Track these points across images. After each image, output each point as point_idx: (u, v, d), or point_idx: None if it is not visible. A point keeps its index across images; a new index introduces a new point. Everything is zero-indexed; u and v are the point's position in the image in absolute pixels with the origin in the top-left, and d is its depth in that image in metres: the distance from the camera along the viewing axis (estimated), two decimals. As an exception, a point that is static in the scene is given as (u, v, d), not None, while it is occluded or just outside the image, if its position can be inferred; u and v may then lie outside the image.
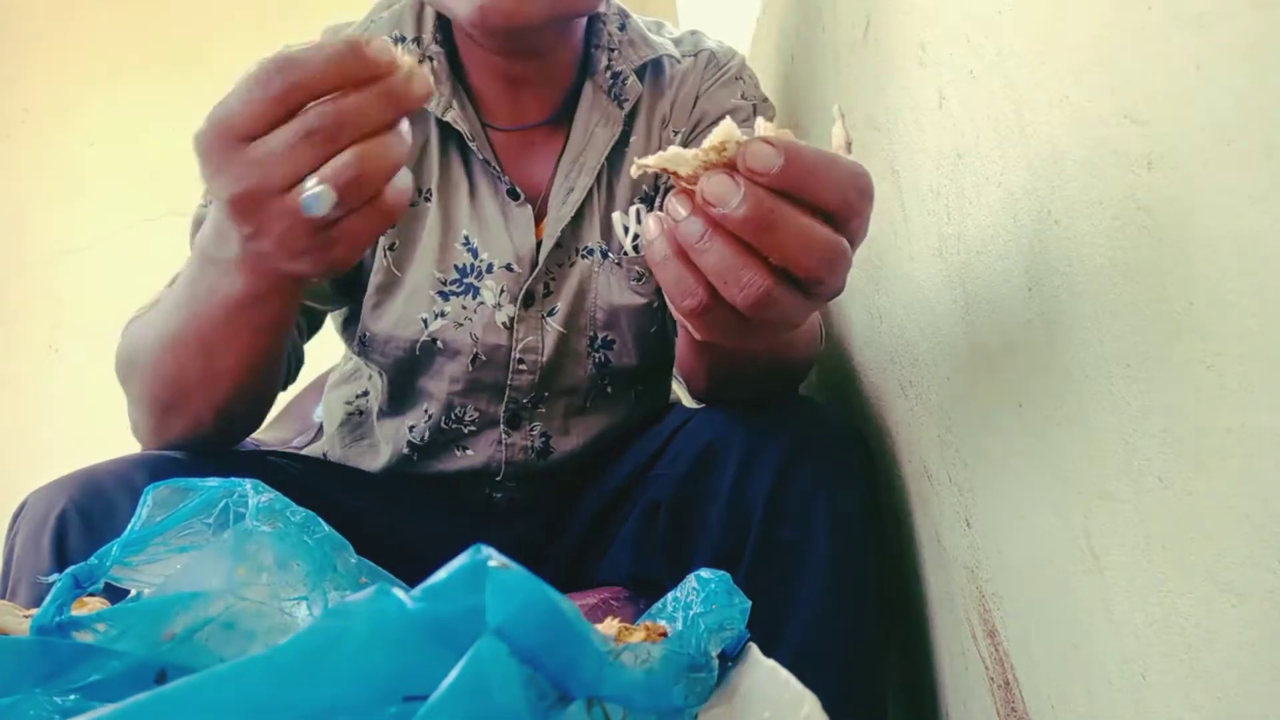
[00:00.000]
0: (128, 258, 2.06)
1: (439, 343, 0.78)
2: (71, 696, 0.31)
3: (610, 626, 0.39)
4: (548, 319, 0.79)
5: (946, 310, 0.58)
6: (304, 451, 0.95)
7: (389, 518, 0.79)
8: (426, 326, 0.78)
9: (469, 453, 0.82)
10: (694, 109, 0.83)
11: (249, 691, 0.20)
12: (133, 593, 0.37)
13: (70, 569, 0.34)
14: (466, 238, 0.79)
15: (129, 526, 0.36)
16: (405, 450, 0.83)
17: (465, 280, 0.78)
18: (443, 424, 0.81)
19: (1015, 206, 0.46)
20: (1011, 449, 0.51)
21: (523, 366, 0.79)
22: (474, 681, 0.19)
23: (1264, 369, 0.30)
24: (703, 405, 0.78)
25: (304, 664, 0.20)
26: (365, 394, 0.88)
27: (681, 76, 0.84)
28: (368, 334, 0.80)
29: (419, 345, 0.78)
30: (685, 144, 0.83)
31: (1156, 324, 0.35)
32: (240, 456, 0.73)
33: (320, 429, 1.00)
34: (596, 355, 0.81)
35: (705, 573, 0.41)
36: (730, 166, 0.37)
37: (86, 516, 0.60)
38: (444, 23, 0.79)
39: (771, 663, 0.36)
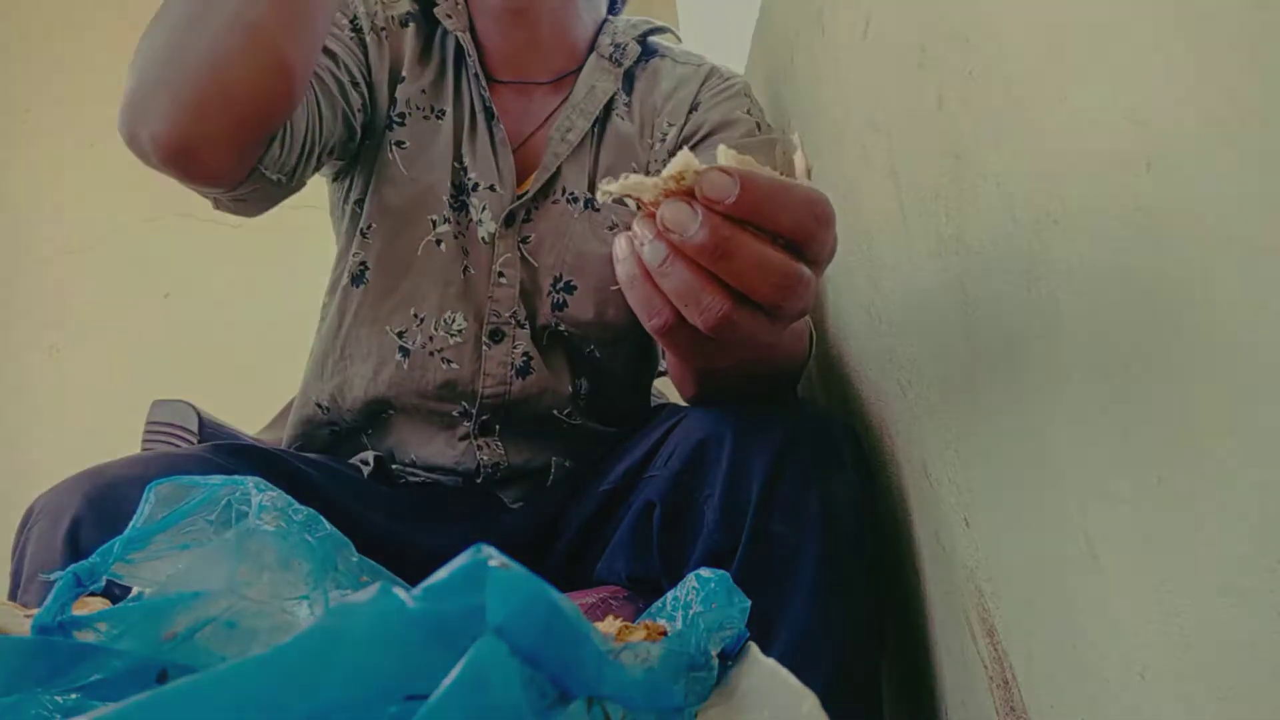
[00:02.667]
0: (128, 258, 2.06)
1: (442, 245, 0.85)
2: (73, 696, 0.31)
3: (611, 625, 0.39)
4: (522, 245, 0.86)
5: (946, 310, 0.58)
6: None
7: (388, 518, 0.79)
8: (434, 228, 0.85)
9: (453, 365, 0.85)
10: (692, 114, 0.90)
11: (249, 691, 0.20)
12: (134, 592, 0.37)
13: (71, 567, 0.34)
14: (464, 159, 0.87)
15: (130, 523, 0.36)
16: (398, 356, 0.85)
17: (460, 197, 0.86)
18: (432, 329, 0.85)
19: (1014, 207, 0.47)
20: (1011, 448, 0.51)
21: (503, 279, 0.85)
22: (474, 680, 0.19)
23: (1264, 369, 0.30)
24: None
25: (304, 663, 0.20)
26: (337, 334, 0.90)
27: (681, 79, 0.92)
28: (372, 227, 0.86)
29: (422, 245, 0.85)
30: (676, 146, 0.90)
31: (1156, 324, 0.35)
32: (247, 452, 0.73)
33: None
34: (555, 296, 0.86)
35: (705, 572, 0.41)
36: (690, 194, 0.38)
37: (101, 514, 0.60)
38: None
39: (771, 661, 0.36)
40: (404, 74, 0.88)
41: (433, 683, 0.20)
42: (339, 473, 0.84)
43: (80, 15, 2.16)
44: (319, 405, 0.90)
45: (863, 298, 0.80)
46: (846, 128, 0.78)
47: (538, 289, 0.86)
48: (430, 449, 0.86)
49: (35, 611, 0.34)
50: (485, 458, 0.86)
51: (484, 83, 0.88)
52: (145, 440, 0.99)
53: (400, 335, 0.85)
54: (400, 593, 0.21)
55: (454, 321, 0.85)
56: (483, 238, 0.85)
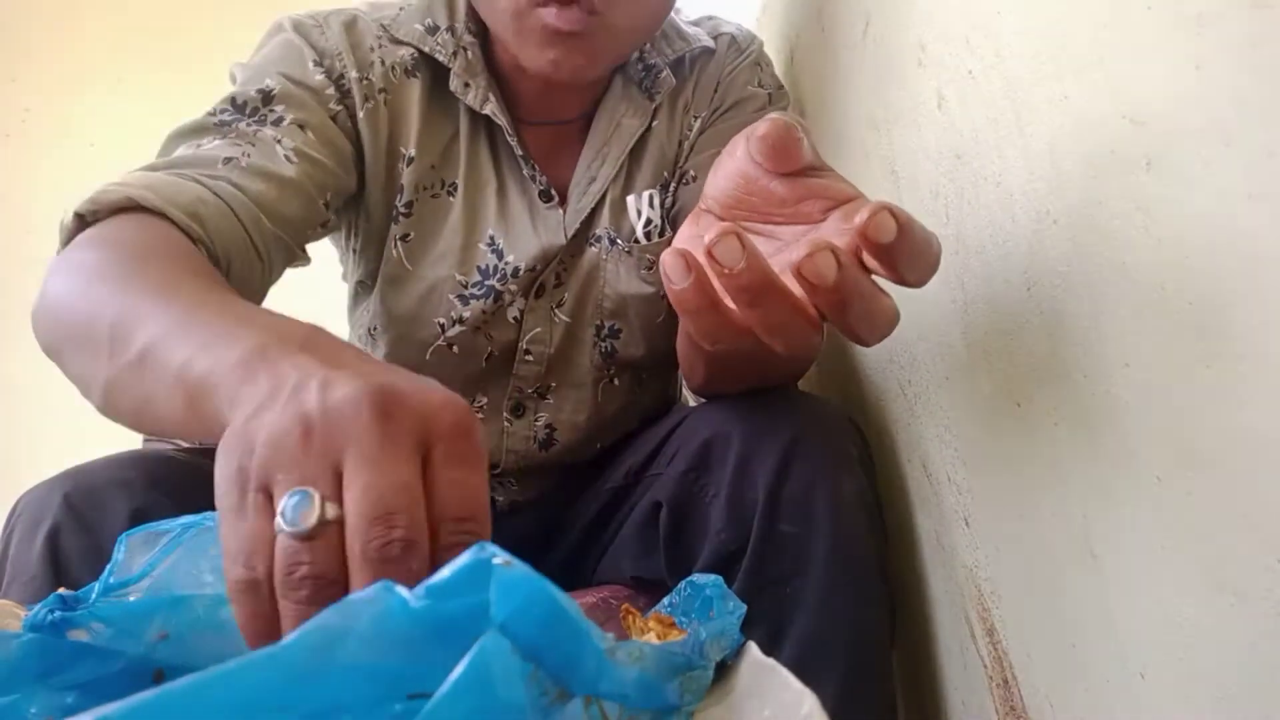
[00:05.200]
0: (127, 257, 2.05)
1: (455, 348, 0.77)
2: (69, 695, 0.31)
3: (625, 620, 0.40)
4: (556, 310, 0.79)
5: (946, 310, 0.58)
6: None
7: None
8: (444, 332, 0.77)
9: None
10: (715, 93, 0.82)
11: (252, 689, 0.20)
12: (131, 597, 0.37)
13: (58, 593, 0.35)
14: (492, 238, 0.77)
15: (105, 570, 0.37)
16: None
17: (487, 283, 0.77)
18: None
19: (1014, 206, 0.47)
20: (1011, 449, 0.51)
21: (529, 357, 0.79)
22: (478, 678, 0.19)
23: (1263, 369, 0.30)
24: (701, 400, 0.78)
25: (307, 662, 0.20)
26: None
27: (702, 60, 0.83)
28: (377, 328, 0.80)
29: (431, 350, 0.77)
30: (704, 128, 0.81)
31: (1155, 324, 0.35)
32: None
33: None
34: (603, 345, 0.80)
35: (699, 578, 0.42)
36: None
37: (80, 521, 0.60)
38: (476, 11, 0.76)
39: (771, 661, 0.36)
40: (411, 151, 0.75)
41: (436, 680, 0.20)
42: None
43: (81, 16, 2.15)
44: None
45: (862, 298, 0.79)
46: (846, 127, 0.78)
47: (581, 342, 0.80)
48: None
49: (25, 612, 0.35)
50: (500, 498, 0.85)
51: (533, 166, 0.77)
52: (145, 439, 0.99)
53: None
54: (403, 591, 0.21)
55: (473, 401, 0.80)
56: (513, 318, 0.78)
